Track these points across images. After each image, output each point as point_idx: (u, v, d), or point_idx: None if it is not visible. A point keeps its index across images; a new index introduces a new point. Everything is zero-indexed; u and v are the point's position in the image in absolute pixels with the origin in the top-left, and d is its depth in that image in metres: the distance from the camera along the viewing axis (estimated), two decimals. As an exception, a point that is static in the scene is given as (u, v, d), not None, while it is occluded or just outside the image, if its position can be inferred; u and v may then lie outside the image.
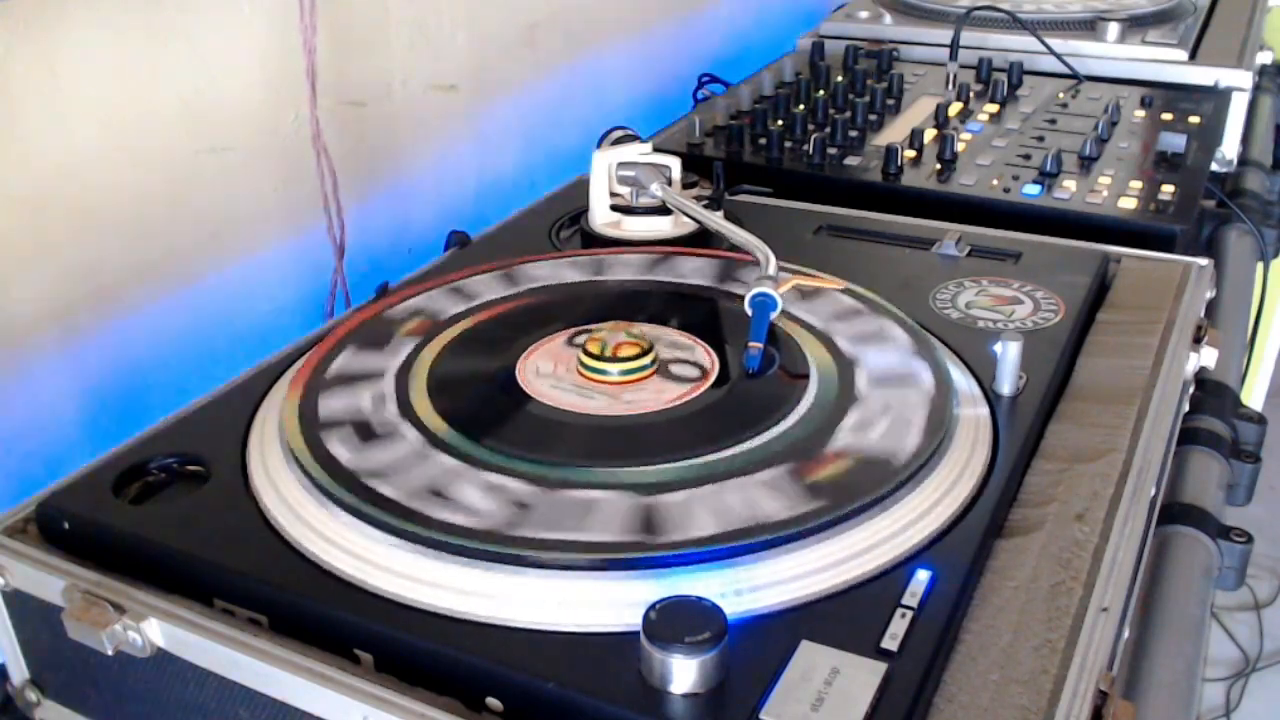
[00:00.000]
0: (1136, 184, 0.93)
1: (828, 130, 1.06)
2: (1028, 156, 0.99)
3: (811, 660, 0.44)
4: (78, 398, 0.76)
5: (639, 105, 1.35)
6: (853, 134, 1.05)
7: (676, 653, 0.42)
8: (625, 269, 0.76)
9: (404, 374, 0.64)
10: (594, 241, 0.84)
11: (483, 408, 0.61)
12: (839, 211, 0.89)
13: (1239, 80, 1.18)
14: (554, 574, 0.48)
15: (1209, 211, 1.05)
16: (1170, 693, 0.58)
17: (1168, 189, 0.92)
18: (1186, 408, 0.78)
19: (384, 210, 0.99)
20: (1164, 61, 1.22)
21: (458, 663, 0.46)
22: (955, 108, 1.12)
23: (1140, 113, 1.09)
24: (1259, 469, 0.77)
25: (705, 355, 0.65)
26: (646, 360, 0.63)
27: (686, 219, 0.82)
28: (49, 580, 0.53)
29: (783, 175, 0.99)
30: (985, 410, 0.61)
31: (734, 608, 0.46)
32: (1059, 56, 1.22)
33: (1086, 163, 0.97)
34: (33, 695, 0.58)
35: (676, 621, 0.43)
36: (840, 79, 1.18)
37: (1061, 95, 1.15)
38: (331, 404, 0.61)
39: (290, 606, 0.50)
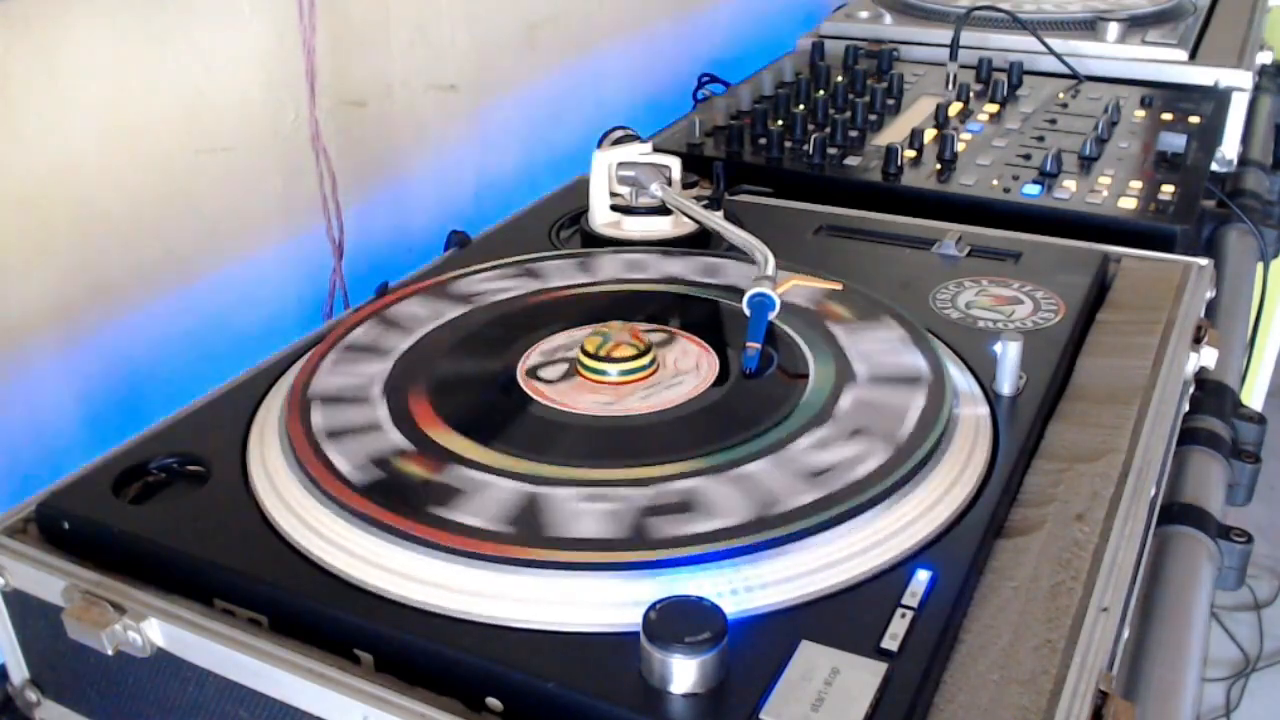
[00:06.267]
0: (1136, 184, 0.93)
1: (828, 130, 1.05)
2: (1028, 156, 0.99)
3: (811, 660, 0.44)
4: (78, 398, 0.76)
5: (639, 105, 1.35)
6: (853, 134, 1.05)
7: (676, 653, 0.42)
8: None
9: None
10: (594, 241, 0.84)
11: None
12: (839, 211, 0.89)
13: (1239, 80, 1.18)
14: (554, 574, 0.48)
15: (1209, 211, 1.05)
16: (1170, 693, 0.58)
17: (1168, 189, 0.92)
18: (1186, 408, 0.78)
19: (384, 210, 0.99)
20: (1164, 61, 1.22)
21: (458, 663, 0.46)
22: (955, 108, 1.12)
23: (1140, 113, 1.09)
24: (1259, 469, 0.77)
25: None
26: (646, 360, 0.63)
27: (686, 219, 0.82)
28: (49, 580, 0.53)
29: (783, 175, 0.99)
30: (985, 410, 0.61)
31: (734, 608, 0.46)
32: (1059, 56, 1.21)
33: (1086, 163, 0.97)
34: (33, 695, 0.58)
35: (676, 621, 0.43)
36: (840, 79, 1.18)
37: (1061, 95, 1.15)
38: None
39: (290, 606, 0.50)
